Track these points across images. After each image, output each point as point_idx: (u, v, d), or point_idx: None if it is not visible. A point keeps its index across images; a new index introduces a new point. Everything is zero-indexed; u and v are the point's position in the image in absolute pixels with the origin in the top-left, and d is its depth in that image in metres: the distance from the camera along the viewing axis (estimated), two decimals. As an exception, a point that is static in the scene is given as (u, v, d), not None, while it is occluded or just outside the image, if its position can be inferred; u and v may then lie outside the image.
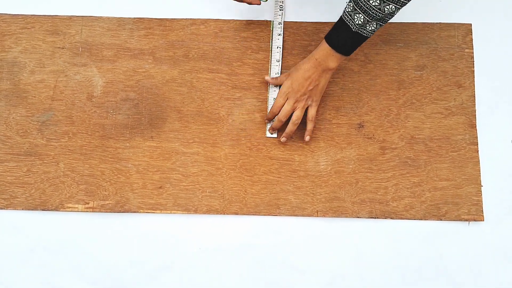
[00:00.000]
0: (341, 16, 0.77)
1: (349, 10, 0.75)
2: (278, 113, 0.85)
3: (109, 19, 0.94)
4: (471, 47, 0.93)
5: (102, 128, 0.90)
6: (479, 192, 0.87)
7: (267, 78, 0.88)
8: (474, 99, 0.91)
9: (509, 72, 0.93)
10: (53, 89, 0.91)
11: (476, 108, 0.90)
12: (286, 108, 0.84)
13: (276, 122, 0.86)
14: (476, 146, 0.89)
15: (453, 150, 0.89)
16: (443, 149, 0.89)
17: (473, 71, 0.92)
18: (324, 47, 0.80)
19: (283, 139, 0.87)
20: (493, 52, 0.93)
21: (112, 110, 0.91)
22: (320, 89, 0.83)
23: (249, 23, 0.94)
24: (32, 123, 0.90)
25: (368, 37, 0.77)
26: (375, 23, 0.75)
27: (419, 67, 0.92)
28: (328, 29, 0.93)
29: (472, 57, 0.92)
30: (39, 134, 0.90)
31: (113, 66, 0.92)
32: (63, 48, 0.93)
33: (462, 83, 0.91)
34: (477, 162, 0.88)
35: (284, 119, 0.85)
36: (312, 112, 0.85)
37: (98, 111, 0.91)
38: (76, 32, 0.94)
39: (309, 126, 0.86)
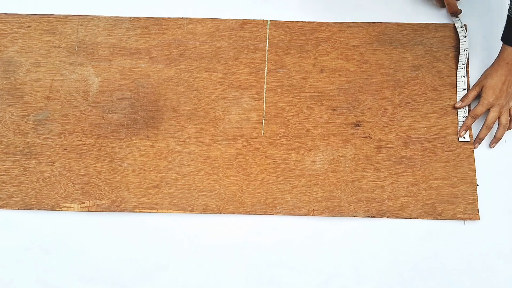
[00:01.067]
0: (509, 17, 0.80)
1: None
2: (475, 119, 0.88)
3: (105, 18, 0.94)
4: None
5: (98, 128, 0.90)
6: (474, 191, 0.87)
7: (457, 105, 0.90)
8: (469, 98, 0.91)
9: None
10: (49, 89, 0.91)
11: (471, 107, 0.91)
12: (494, 115, 0.87)
13: (483, 131, 0.88)
14: (471, 145, 0.89)
15: (449, 149, 0.89)
16: (438, 149, 0.89)
17: (468, 71, 0.92)
18: (508, 50, 0.83)
19: (477, 145, 0.90)
20: (488, 52, 0.94)
21: (108, 109, 0.91)
22: None
23: (246, 23, 0.94)
24: (28, 122, 0.90)
25: None
26: None
27: (414, 67, 0.92)
28: (324, 29, 0.93)
29: (467, 58, 0.93)
30: (35, 133, 0.89)
31: (109, 65, 0.92)
32: (59, 47, 0.93)
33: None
34: (473, 162, 0.88)
35: (492, 126, 0.88)
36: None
37: (94, 111, 0.91)
38: (72, 31, 0.93)
39: (501, 132, 0.89)
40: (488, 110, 0.88)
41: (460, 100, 0.90)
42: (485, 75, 0.87)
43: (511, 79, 0.85)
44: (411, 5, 0.96)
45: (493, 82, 0.86)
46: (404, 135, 0.90)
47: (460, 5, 0.94)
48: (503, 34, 0.83)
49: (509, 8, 0.79)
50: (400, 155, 0.89)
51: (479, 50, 0.94)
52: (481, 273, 0.86)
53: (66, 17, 0.94)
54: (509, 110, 0.88)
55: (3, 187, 0.87)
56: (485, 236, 0.87)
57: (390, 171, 0.88)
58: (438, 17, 0.96)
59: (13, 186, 0.87)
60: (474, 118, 0.88)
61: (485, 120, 0.88)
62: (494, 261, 0.87)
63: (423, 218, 0.87)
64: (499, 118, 0.88)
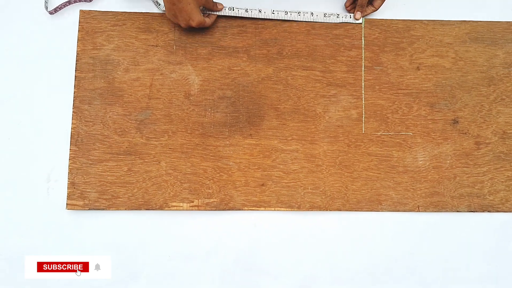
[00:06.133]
0: None
1: None
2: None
3: (203, 16, 0.94)
4: (555, 43, 0.96)
5: (201, 127, 0.90)
6: None
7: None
8: (562, 94, 0.93)
9: None
10: (149, 88, 0.90)
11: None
12: None
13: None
14: None
15: (542, 144, 0.91)
16: (533, 144, 0.91)
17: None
18: None
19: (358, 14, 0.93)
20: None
21: (210, 108, 0.90)
22: None
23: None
24: (130, 121, 0.89)
25: None
26: None
27: (507, 64, 0.94)
28: (418, 26, 0.94)
29: None
30: (138, 133, 0.89)
31: (208, 64, 0.92)
32: (156, 46, 0.92)
33: (549, 79, 0.94)
34: None
35: None
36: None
37: (196, 110, 0.90)
38: (170, 29, 0.93)
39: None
40: None
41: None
42: None
43: None
44: (501, 4, 0.98)
45: None
46: (501, 131, 0.91)
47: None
48: None
49: None
50: (497, 151, 0.91)
51: None
52: None
53: (162, 15, 0.93)
54: None
55: (108, 188, 0.87)
56: None
57: (489, 167, 0.90)
58: (525, 15, 0.98)
59: (118, 186, 0.87)
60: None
61: None
62: None
63: (522, 212, 0.89)
64: None
